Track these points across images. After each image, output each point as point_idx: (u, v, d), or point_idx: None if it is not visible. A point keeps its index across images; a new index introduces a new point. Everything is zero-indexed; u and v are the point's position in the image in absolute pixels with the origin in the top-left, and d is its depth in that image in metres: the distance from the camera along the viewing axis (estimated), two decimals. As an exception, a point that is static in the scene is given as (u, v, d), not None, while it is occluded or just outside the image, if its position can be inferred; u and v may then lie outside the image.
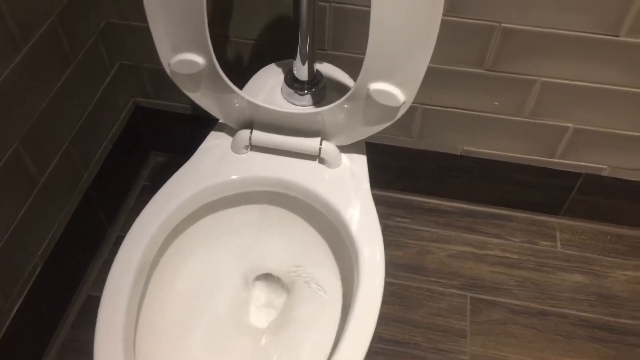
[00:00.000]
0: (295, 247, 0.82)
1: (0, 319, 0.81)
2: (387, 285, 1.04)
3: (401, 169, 1.09)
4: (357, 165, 0.76)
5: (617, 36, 0.80)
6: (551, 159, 1.01)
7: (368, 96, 0.66)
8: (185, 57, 0.67)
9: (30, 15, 0.76)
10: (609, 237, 1.11)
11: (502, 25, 0.82)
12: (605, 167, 1.01)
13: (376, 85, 0.65)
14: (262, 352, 0.78)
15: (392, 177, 1.11)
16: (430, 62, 0.80)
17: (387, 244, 1.09)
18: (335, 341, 0.72)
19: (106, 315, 0.63)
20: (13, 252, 0.81)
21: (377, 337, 0.98)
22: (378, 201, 0.71)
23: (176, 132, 1.12)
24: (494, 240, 1.10)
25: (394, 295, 1.03)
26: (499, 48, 0.85)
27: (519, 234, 1.11)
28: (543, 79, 0.88)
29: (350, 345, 0.62)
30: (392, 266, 1.06)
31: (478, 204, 1.14)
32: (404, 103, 0.66)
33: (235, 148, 0.76)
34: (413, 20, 0.58)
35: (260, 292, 0.85)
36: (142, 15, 0.93)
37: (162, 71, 0.70)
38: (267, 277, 0.85)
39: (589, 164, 1.01)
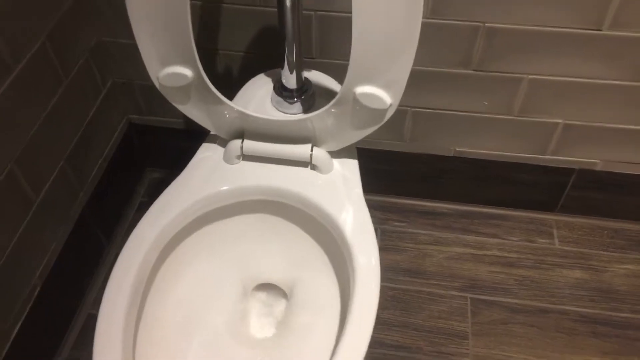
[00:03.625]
0: (291, 254, 0.82)
1: (1, 340, 0.81)
2: (387, 290, 1.04)
3: (395, 173, 1.10)
4: (348, 170, 0.77)
5: (600, 30, 0.81)
6: (543, 156, 1.01)
7: (355, 100, 0.67)
8: (173, 70, 0.68)
9: (20, 36, 0.77)
10: (605, 231, 1.11)
11: (486, 25, 0.83)
12: (598, 161, 1.01)
13: (362, 89, 0.65)
14: (263, 362, 0.78)
15: (387, 182, 1.12)
16: (417, 64, 0.80)
17: (385, 249, 1.10)
18: (335, 348, 0.72)
19: (104, 331, 0.63)
20: (11, 273, 0.81)
21: (379, 343, 0.98)
22: (374, 206, 0.72)
23: (171, 147, 1.13)
24: (492, 240, 1.10)
25: (394, 300, 1.03)
26: (484, 48, 0.85)
27: (517, 233, 1.11)
28: (530, 76, 0.89)
29: (347, 350, 0.62)
30: (391, 271, 1.06)
31: (474, 204, 1.14)
32: (390, 105, 0.66)
33: (227, 158, 0.77)
34: (394, 24, 0.59)
35: (259, 302, 0.86)
36: (132, 33, 0.94)
37: (154, 87, 0.71)
38: (266, 286, 0.85)
39: (582, 159, 1.01)
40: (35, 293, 0.87)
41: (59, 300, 0.95)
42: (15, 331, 0.83)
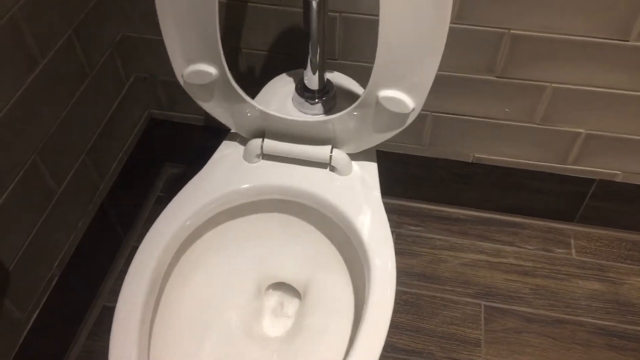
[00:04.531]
0: (307, 255, 0.82)
1: (18, 329, 0.82)
2: (400, 294, 1.04)
3: (413, 177, 1.10)
4: (367, 173, 0.77)
5: (627, 41, 0.80)
6: (564, 165, 1.00)
7: (378, 103, 0.67)
8: (198, 68, 0.68)
9: (47, 29, 0.78)
10: (624, 243, 1.09)
11: (511, 31, 0.82)
12: (619, 172, 1.00)
13: (385, 93, 0.65)
14: (275, 361, 0.78)
15: (404, 186, 1.12)
16: (440, 69, 0.80)
17: (400, 253, 1.10)
18: (347, 350, 0.72)
19: (121, 323, 0.63)
20: (31, 263, 0.82)
21: (390, 347, 0.97)
22: (390, 210, 0.71)
23: (190, 143, 1.14)
24: (508, 248, 1.09)
25: (407, 304, 1.02)
26: (508, 54, 0.85)
27: (533, 242, 1.10)
28: (554, 84, 0.88)
29: (360, 355, 0.61)
30: (405, 275, 1.06)
31: (491, 211, 1.13)
32: (413, 110, 0.66)
33: (247, 157, 0.77)
34: (421, 27, 0.59)
35: (273, 301, 0.86)
36: (156, 29, 0.95)
37: (176, 83, 0.71)
38: (280, 286, 0.86)
39: (602, 170, 1.00)
40: (53, 283, 0.88)
41: (75, 291, 0.96)
42: (33, 319, 0.84)
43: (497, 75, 0.88)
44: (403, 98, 0.65)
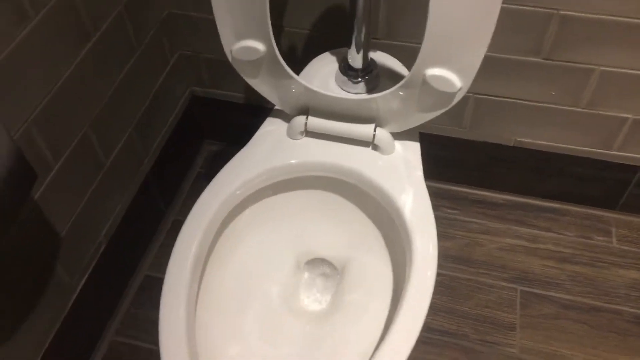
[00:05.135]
0: (347, 232, 0.83)
1: (68, 293, 0.86)
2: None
3: (451, 160, 1.09)
4: (410, 152, 0.77)
5: (683, 23, 0.78)
6: (608, 151, 0.98)
7: (424, 82, 0.67)
8: (247, 44, 0.69)
9: (100, 4, 0.80)
10: (668, 233, 1.07)
11: (561, 12, 0.80)
12: (666, 160, 0.97)
13: (433, 71, 0.65)
14: (312, 335, 0.80)
15: (442, 168, 1.11)
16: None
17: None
18: (384, 329, 0.73)
19: (170, 291, 0.65)
20: (81, 230, 0.86)
21: (425, 327, 0.96)
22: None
23: (229, 121, 1.16)
24: (546, 234, 1.08)
25: (442, 286, 1.03)
26: (556, 36, 0.83)
27: (573, 228, 1.09)
28: (602, 68, 0.86)
29: (399, 334, 0.63)
30: (440, 257, 1.03)
31: (530, 196, 1.12)
32: (460, 89, 0.66)
33: (290, 134, 0.78)
34: (473, 6, 0.58)
35: (312, 277, 0.87)
36: (201, 6, 0.96)
37: (218, 61, 0.72)
38: (319, 262, 0.87)
39: (649, 157, 0.98)
40: (100, 251, 0.92)
41: (120, 260, 0.99)
42: (81, 285, 0.88)
43: (544, 57, 0.87)
44: (450, 77, 0.65)
